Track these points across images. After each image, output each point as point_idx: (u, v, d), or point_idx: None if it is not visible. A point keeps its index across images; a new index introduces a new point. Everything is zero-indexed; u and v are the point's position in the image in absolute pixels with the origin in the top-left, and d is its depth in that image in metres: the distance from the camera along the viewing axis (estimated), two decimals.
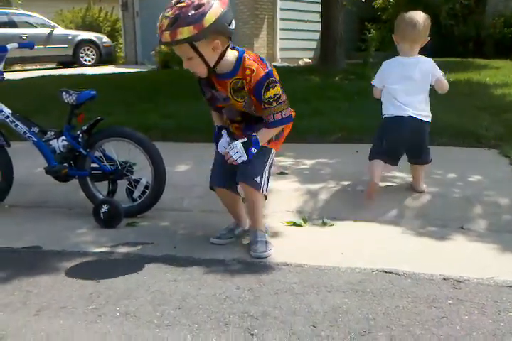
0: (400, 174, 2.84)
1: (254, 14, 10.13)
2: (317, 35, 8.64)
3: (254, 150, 1.95)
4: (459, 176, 2.82)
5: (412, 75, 2.37)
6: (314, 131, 3.97)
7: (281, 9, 10.42)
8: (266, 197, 2.12)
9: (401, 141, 2.44)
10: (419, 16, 2.35)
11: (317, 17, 7.46)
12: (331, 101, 4.99)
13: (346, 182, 2.72)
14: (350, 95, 5.21)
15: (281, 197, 2.60)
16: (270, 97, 1.93)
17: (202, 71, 1.93)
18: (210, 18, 1.75)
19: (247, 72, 1.91)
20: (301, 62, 10.36)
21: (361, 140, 3.75)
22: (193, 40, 1.79)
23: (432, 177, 2.78)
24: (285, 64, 9.83)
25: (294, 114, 2.06)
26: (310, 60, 10.41)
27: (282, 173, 2.90)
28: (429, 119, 2.48)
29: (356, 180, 2.74)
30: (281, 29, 10.48)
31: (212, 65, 1.89)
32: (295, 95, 5.15)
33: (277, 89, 1.94)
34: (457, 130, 3.73)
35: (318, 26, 7.30)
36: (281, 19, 10.44)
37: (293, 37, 10.55)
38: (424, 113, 2.44)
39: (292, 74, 6.89)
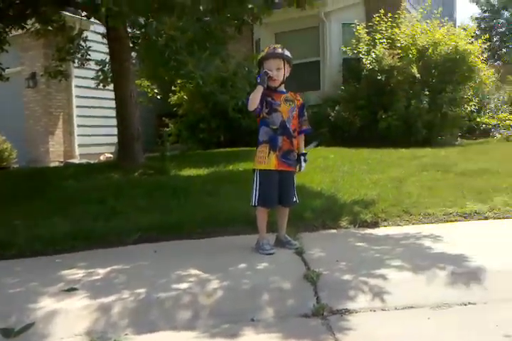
0: (195, 271, 2.90)
1: (47, 112, 9.88)
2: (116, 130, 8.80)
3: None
4: (248, 265, 2.98)
5: None
6: (111, 233, 3.84)
7: (78, 106, 10.40)
8: None
9: None
10: None
11: (114, 113, 7.60)
12: (129, 199, 4.94)
13: (141, 290, 2.64)
14: (149, 191, 5.26)
15: (69, 318, 2.38)
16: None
17: (279, 80, 3.20)
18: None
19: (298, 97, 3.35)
20: (102, 158, 10.29)
21: (160, 239, 3.79)
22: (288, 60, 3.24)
23: (225, 271, 2.89)
24: (85, 160, 9.65)
25: None
26: (111, 155, 10.42)
27: (71, 289, 2.69)
28: None
29: (151, 286, 2.69)
30: (79, 125, 10.38)
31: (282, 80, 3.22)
32: (92, 195, 5.04)
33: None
34: (247, 217, 3.98)
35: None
36: (78, 116, 10.38)
37: (92, 133, 10.52)
38: None
39: (91, 173, 6.76)
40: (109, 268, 3.07)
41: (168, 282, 2.76)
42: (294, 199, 3.35)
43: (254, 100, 3.13)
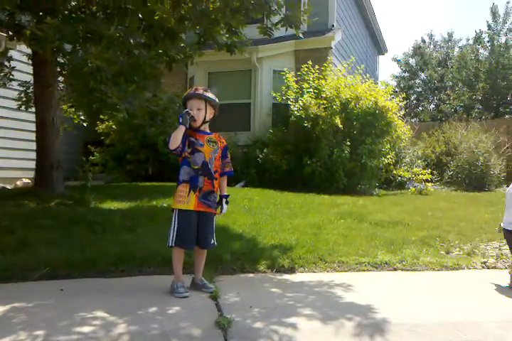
0: (102, 313, 2.76)
1: None
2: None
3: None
4: (160, 308, 2.89)
5: None
6: (16, 267, 3.60)
7: None
8: None
9: None
10: None
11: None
12: (41, 231, 4.69)
13: (40, 332, 2.47)
14: (64, 223, 5.02)
15: None
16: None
17: (199, 120, 3.24)
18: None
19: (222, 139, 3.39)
20: (19, 183, 9.71)
21: (69, 275, 3.59)
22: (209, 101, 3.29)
23: (134, 314, 2.78)
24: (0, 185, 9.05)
25: None
26: (30, 181, 9.85)
27: None
28: None
29: (52, 328, 2.52)
30: None
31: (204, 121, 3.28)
32: (0, 224, 4.73)
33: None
34: (164, 256, 3.89)
35: None
36: None
37: (9, 156, 9.93)
38: None
39: (3, 199, 6.37)
40: (8, 307, 2.86)
41: (71, 324, 2.61)
42: (212, 241, 3.33)
43: (175, 140, 3.14)
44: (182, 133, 3.15)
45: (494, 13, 22.63)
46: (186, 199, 3.20)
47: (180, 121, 3.16)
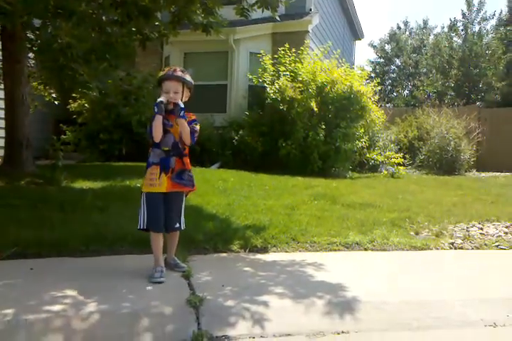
0: (72, 292, 2.74)
1: None
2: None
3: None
4: (132, 288, 2.88)
5: None
6: None
7: None
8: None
9: None
10: None
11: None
12: (10, 210, 4.61)
13: (9, 311, 2.43)
14: (33, 202, 4.93)
15: None
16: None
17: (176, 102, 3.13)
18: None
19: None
20: None
21: (39, 255, 3.53)
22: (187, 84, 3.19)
23: (105, 293, 2.76)
24: None
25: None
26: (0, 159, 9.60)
27: None
28: None
29: (21, 306, 2.48)
30: None
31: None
32: None
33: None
34: (135, 236, 3.85)
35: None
36: None
37: None
38: None
39: None
40: None
41: (40, 303, 2.58)
42: (177, 225, 3.25)
43: (158, 132, 3.08)
44: (161, 122, 3.09)
45: (469, 2, 22.92)
46: (158, 182, 3.14)
47: (156, 110, 3.07)
